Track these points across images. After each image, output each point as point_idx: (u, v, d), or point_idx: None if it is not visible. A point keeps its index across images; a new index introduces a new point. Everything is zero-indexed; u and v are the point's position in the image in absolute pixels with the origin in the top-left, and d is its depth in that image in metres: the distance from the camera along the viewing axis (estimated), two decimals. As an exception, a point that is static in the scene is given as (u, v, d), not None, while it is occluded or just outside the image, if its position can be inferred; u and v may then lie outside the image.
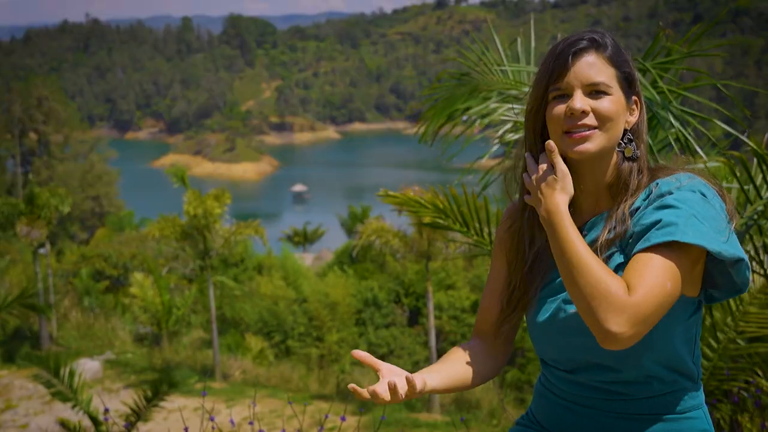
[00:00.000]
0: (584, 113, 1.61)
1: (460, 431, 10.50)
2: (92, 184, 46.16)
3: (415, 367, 20.76)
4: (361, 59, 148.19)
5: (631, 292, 1.48)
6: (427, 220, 4.62)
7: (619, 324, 1.46)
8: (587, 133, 1.61)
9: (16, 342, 20.69)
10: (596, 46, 1.65)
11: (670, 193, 1.58)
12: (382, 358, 21.46)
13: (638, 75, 1.73)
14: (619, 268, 1.61)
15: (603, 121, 1.61)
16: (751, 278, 1.68)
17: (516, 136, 4.36)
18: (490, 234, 4.42)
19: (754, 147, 3.51)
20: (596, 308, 1.48)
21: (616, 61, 1.66)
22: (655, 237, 1.51)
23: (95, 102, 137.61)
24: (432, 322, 17.76)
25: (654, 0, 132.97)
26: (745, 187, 3.53)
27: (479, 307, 1.88)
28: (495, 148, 4.35)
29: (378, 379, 1.63)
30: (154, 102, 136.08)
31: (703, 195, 1.57)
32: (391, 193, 4.67)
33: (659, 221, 1.53)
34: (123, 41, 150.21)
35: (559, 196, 1.60)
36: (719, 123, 3.64)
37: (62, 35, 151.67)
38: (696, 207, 1.53)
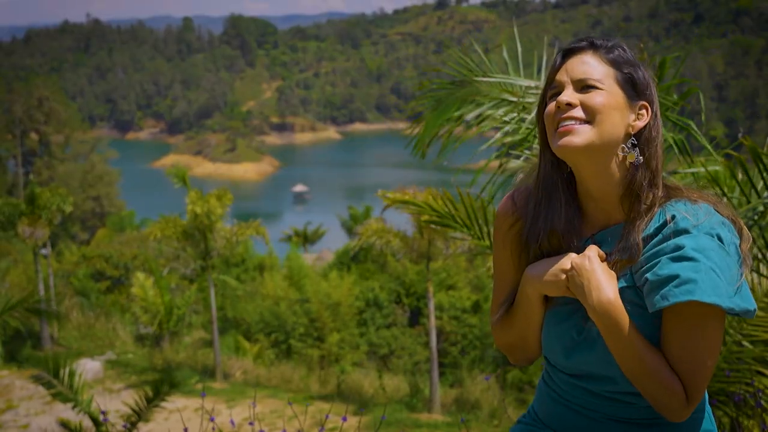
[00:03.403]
0: (570, 105, 1.57)
1: (461, 431, 10.51)
2: (93, 185, 46.19)
3: (415, 367, 20.75)
4: (362, 59, 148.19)
5: (689, 399, 1.55)
6: (424, 218, 4.63)
7: (681, 417, 1.58)
8: (573, 125, 1.57)
9: (17, 342, 20.70)
10: (594, 47, 1.63)
11: (687, 232, 1.53)
12: (383, 358, 21.54)
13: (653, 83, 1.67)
14: (624, 291, 1.59)
15: (592, 113, 1.57)
16: (758, 281, 1.67)
17: (512, 138, 4.39)
18: (489, 234, 4.43)
19: (755, 147, 3.51)
20: (662, 407, 1.58)
21: (617, 62, 1.62)
22: (674, 296, 1.49)
23: (96, 102, 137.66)
24: (433, 322, 17.73)
25: (655, 0, 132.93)
26: (744, 189, 3.55)
27: (494, 287, 1.83)
28: (503, 150, 4.36)
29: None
30: (154, 102, 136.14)
31: (720, 240, 1.53)
32: (389, 194, 4.70)
33: (677, 276, 1.49)
34: (123, 41, 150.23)
35: (612, 292, 1.56)
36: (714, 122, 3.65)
37: (63, 35, 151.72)
38: (714, 258, 1.49)
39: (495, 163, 4.46)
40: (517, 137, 4.24)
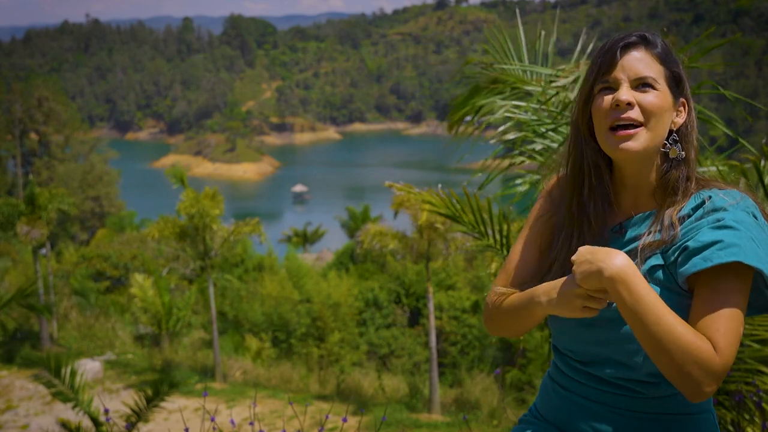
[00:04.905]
0: (629, 105, 1.61)
1: (461, 431, 10.51)
2: (92, 185, 46.14)
3: (415, 367, 20.76)
4: (362, 60, 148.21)
5: (718, 352, 1.48)
6: (433, 209, 4.61)
7: (712, 385, 1.49)
8: (632, 131, 1.61)
9: (16, 342, 20.69)
10: (645, 42, 1.66)
11: (725, 209, 1.57)
12: (383, 358, 21.53)
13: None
14: (655, 270, 1.61)
15: (648, 115, 1.61)
16: None
17: (516, 136, 4.37)
18: (493, 233, 4.42)
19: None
20: (688, 376, 1.49)
21: (665, 59, 1.67)
22: (718, 257, 1.51)
23: (96, 102, 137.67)
24: (432, 322, 17.73)
25: (654, 0, 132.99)
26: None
27: (508, 266, 1.83)
28: (513, 151, 4.35)
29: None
30: (154, 102, 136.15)
31: (755, 217, 1.58)
32: (397, 185, 4.68)
33: (720, 241, 1.52)
34: (123, 42, 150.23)
35: (623, 256, 1.52)
36: (717, 123, 3.64)
37: (63, 36, 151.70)
38: (753, 230, 1.54)
39: (497, 162, 4.45)
40: (523, 133, 4.23)
